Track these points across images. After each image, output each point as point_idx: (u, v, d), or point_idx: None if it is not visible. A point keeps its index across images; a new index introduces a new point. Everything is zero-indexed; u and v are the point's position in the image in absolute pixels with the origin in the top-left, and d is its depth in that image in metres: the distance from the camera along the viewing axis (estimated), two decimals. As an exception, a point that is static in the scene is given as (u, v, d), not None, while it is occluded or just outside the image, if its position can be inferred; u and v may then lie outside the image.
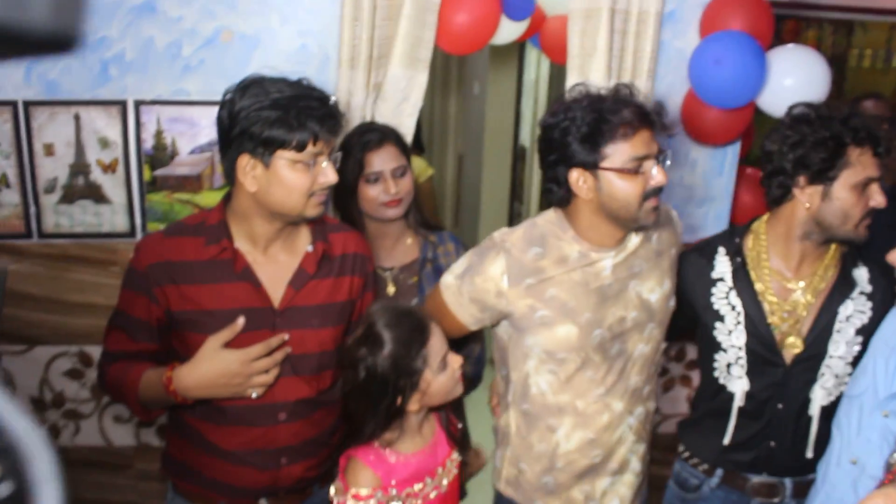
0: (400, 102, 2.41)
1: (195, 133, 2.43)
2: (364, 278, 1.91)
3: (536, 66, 4.54)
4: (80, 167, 2.40)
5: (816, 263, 2.00)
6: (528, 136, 4.69)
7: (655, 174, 1.71)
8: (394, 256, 2.24)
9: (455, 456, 1.83)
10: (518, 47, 4.53)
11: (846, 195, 1.87)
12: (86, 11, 0.41)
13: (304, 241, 1.83)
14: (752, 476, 2.08)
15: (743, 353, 2.01)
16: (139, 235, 2.47)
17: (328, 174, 1.69)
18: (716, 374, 2.06)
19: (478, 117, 4.99)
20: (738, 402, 2.03)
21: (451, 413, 1.88)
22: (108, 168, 2.42)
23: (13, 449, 0.41)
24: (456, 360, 1.73)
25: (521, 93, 4.77)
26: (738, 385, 2.02)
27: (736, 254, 2.05)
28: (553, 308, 1.79)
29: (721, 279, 2.03)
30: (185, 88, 2.39)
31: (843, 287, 1.99)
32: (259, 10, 2.38)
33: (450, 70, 5.66)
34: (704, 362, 2.12)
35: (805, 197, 1.92)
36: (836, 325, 1.97)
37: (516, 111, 4.81)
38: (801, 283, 2.00)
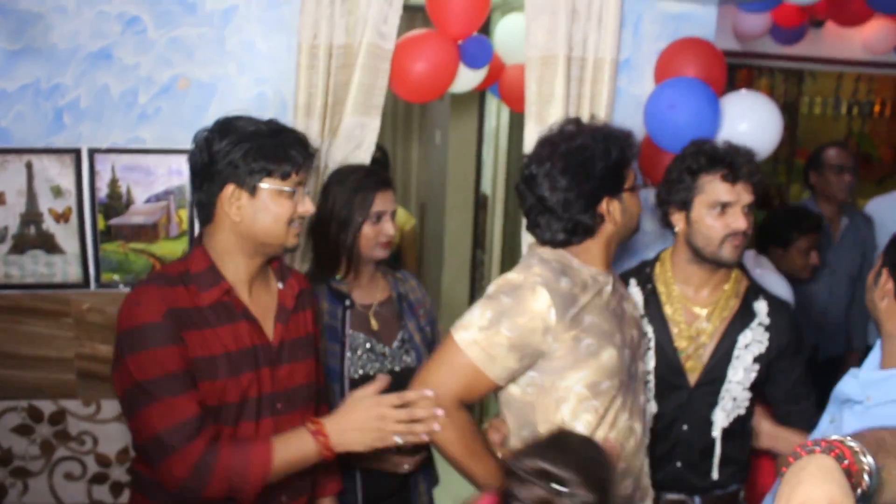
0: (354, 149, 2.42)
1: (151, 181, 2.39)
2: (314, 310, 1.98)
3: (497, 114, 4.58)
4: (31, 216, 2.35)
5: (717, 292, 2.15)
6: (490, 184, 4.71)
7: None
8: (371, 294, 2.29)
9: None
10: (479, 96, 4.58)
11: (701, 218, 2.07)
12: None
13: (273, 280, 1.88)
14: (664, 494, 2.16)
15: (651, 378, 2.14)
16: (93, 286, 2.42)
17: (306, 204, 1.78)
18: None
19: (440, 166, 5.01)
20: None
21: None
22: (61, 217, 2.37)
23: None
24: None
25: (482, 141, 4.80)
26: (648, 408, 2.08)
27: (647, 281, 2.21)
28: (594, 335, 1.81)
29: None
30: (140, 136, 2.37)
31: (743, 317, 2.15)
32: (216, 58, 2.38)
33: (411, 119, 5.71)
34: None
35: (677, 222, 2.14)
36: (735, 352, 2.12)
37: (477, 160, 4.83)
38: (705, 311, 2.15)
